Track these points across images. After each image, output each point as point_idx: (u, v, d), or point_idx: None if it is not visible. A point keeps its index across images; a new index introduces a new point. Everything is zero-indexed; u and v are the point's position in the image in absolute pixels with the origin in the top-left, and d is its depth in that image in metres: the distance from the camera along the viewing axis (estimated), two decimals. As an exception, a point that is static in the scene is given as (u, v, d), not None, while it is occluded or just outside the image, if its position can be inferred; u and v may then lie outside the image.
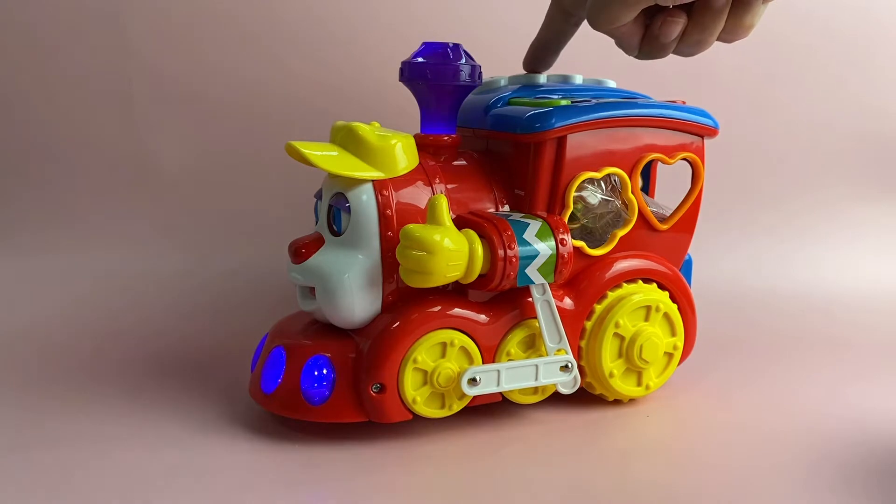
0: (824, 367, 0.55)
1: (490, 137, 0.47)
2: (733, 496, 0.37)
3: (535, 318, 0.42)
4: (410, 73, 0.44)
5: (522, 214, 0.43)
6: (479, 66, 0.45)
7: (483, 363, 0.42)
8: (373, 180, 0.42)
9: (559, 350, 0.43)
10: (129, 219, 0.69)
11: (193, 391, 0.48)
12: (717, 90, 0.71)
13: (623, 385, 0.46)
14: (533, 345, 0.44)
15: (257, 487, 0.37)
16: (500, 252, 0.40)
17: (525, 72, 0.50)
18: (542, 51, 0.48)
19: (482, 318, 0.42)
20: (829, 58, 0.76)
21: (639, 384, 0.47)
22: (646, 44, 0.40)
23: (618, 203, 0.47)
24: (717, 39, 0.39)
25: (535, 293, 0.42)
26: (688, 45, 0.39)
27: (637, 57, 0.41)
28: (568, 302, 0.45)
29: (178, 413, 0.45)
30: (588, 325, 0.45)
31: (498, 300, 0.43)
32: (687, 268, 0.50)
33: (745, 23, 0.38)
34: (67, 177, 0.69)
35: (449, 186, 0.44)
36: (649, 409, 0.47)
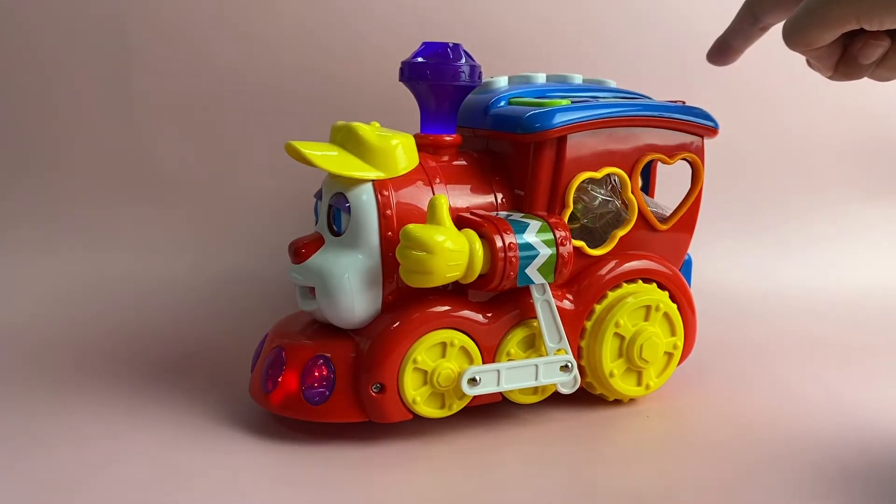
0: (824, 367, 0.55)
1: (490, 137, 0.47)
2: (733, 496, 0.37)
3: (535, 317, 0.42)
4: (410, 73, 0.44)
5: (522, 214, 0.43)
6: (479, 66, 0.45)
7: (483, 363, 0.42)
8: (373, 180, 0.42)
9: (559, 350, 0.43)
10: (129, 219, 0.69)
11: (194, 391, 0.48)
12: (717, 90, 0.71)
13: (623, 385, 0.46)
14: (533, 345, 0.44)
15: (258, 487, 0.37)
16: (500, 252, 0.40)
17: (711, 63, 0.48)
18: (725, 48, 0.45)
19: (482, 318, 0.42)
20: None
21: (639, 384, 0.47)
22: (843, 65, 0.38)
23: (618, 203, 0.47)
24: None
25: (535, 293, 0.42)
26: (887, 69, 0.37)
27: (831, 78, 0.39)
28: (568, 302, 0.45)
29: (178, 413, 0.45)
30: (588, 324, 0.45)
31: (498, 300, 0.43)
32: (687, 268, 0.50)
33: None
34: (67, 177, 0.69)
35: (449, 186, 0.44)
36: (649, 409, 0.47)
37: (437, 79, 0.43)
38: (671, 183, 0.51)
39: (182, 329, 0.59)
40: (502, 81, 0.49)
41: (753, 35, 0.44)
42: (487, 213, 0.42)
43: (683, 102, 0.48)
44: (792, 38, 0.36)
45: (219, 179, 0.70)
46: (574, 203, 0.45)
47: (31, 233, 0.68)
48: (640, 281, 0.46)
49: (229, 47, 0.68)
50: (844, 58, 0.38)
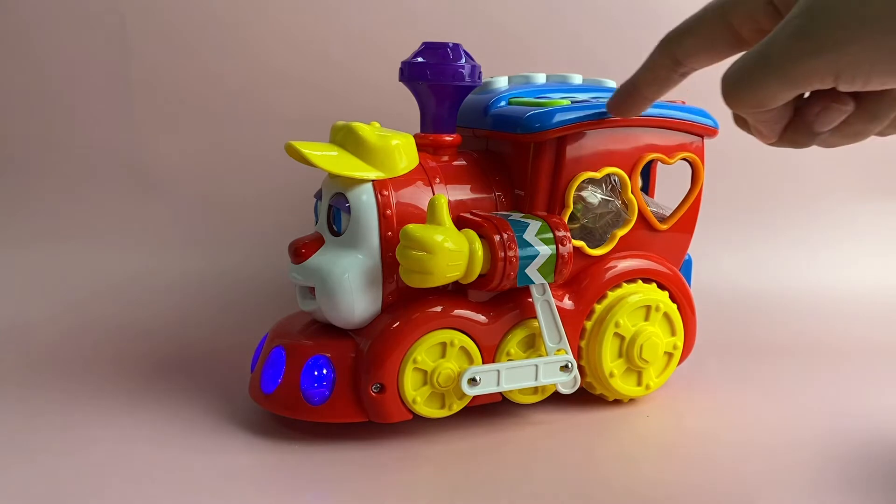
0: (824, 367, 0.55)
1: (490, 137, 0.47)
2: (733, 496, 0.37)
3: (535, 317, 0.42)
4: (410, 73, 0.44)
5: (522, 214, 0.43)
6: (479, 66, 0.45)
7: (483, 363, 0.42)
8: (373, 180, 0.42)
9: (559, 350, 0.43)
10: (129, 219, 0.69)
11: (194, 391, 0.48)
12: (717, 90, 0.71)
13: (623, 385, 0.46)
14: (533, 345, 0.44)
15: (258, 487, 0.37)
16: (500, 252, 0.40)
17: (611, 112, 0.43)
18: (636, 96, 0.38)
19: (482, 318, 0.42)
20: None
21: (639, 384, 0.47)
22: (791, 131, 0.31)
23: (618, 203, 0.47)
24: (877, 133, 0.31)
25: (535, 293, 0.42)
26: (844, 135, 0.30)
27: (773, 144, 0.32)
28: (568, 302, 0.45)
29: (178, 413, 0.45)
30: (588, 324, 0.45)
31: (498, 300, 0.43)
32: (687, 268, 0.50)
33: None
34: (67, 177, 0.69)
35: (449, 186, 0.44)
36: (649, 409, 0.47)
37: (437, 79, 0.43)
38: (671, 183, 0.51)
39: (181, 329, 0.59)
40: (502, 81, 0.49)
41: (672, 81, 0.36)
42: (487, 213, 0.42)
43: (683, 102, 0.48)
44: (736, 97, 0.29)
45: (218, 179, 0.70)
46: (574, 203, 0.45)
47: (31, 233, 0.68)
48: (640, 281, 0.46)
49: (229, 47, 0.68)
50: (794, 122, 0.30)
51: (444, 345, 0.41)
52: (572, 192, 0.44)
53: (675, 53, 0.35)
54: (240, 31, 0.68)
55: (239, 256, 0.69)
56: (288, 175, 0.64)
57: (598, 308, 0.45)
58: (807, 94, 0.30)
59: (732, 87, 0.29)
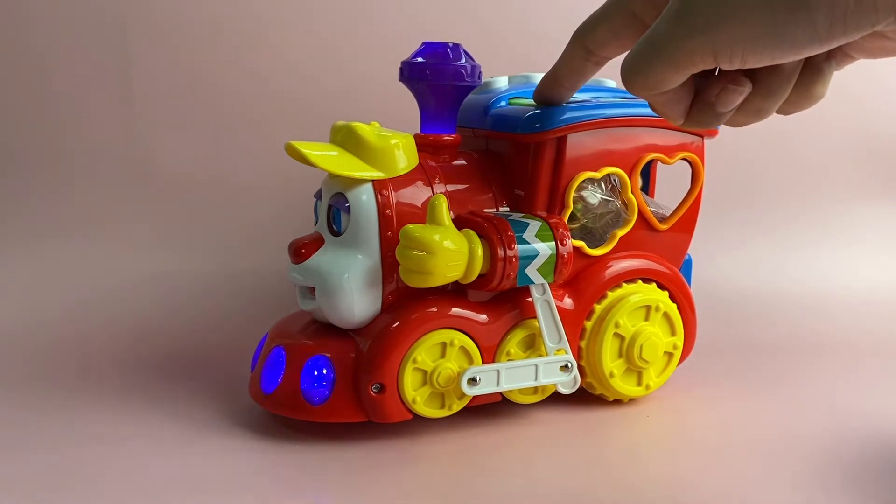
0: (824, 367, 0.55)
1: (490, 137, 0.47)
2: (733, 495, 0.37)
3: (535, 317, 0.42)
4: (410, 73, 0.44)
5: (522, 214, 0.43)
6: (479, 66, 0.45)
7: (483, 363, 0.42)
8: (373, 180, 0.42)
9: (559, 350, 0.43)
10: (129, 219, 0.69)
11: (193, 391, 0.48)
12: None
13: (623, 385, 0.46)
14: (533, 345, 0.44)
15: (257, 487, 0.37)
16: (500, 252, 0.40)
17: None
18: (554, 85, 0.41)
19: (482, 318, 0.42)
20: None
21: (639, 384, 0.47)
22: (696, 111, 0.32)
23: (618, 203, 0.47)
24: (777, 111, 0.32)
25: (535, 293, 0.42)
26: (746, 113, 0.32)
27: (682, 125, 0.33)
28: (568, 302, 0.45)
29: (178, 413, 0.45)
30: (588, 324, 0.45)
31: (498, 300, 0.43)
32: (687, 268, 0.50)
33: (814, 92, 0.31)
34: (67, 178, 0.69)
35: (449, 186, 0.44)
36: (649, 409, 0.47)
37: (437, 79, 0.43)
38: (671, 183, 0.51)
39: (181, 329, 0.59)
40: (502, 81, 0.49)
41: (587, 70, 0.39)
42: (487, 213, 0.42)
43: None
44: (632, 81, 0.30)
45: (218, 179, 0.70)
46: (574, 203, 0.45)
47: (31, 233, 0.68)
48: (640, 281, 0.46)
49: (229, 47, 0.68)
50: (697, 103, 0.32)
51: (443, 345, 0.41)
52: (572, 192, 0.44)
53: (586, 43, 0.37)
54: (240, 31, 0.68)
55: (239, 256, 0.69)
56: (288, 175, 0.64)
57: (598, 308, 0.45)
58: (703, 76, 0.31)
59: (627, 73, 0.30)
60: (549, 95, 0.42)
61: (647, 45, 0.29)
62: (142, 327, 0.59)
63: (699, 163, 0.47)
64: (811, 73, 0.31)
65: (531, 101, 0.45)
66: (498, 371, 0.42)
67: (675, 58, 0.28)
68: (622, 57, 0.31)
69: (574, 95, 0.46)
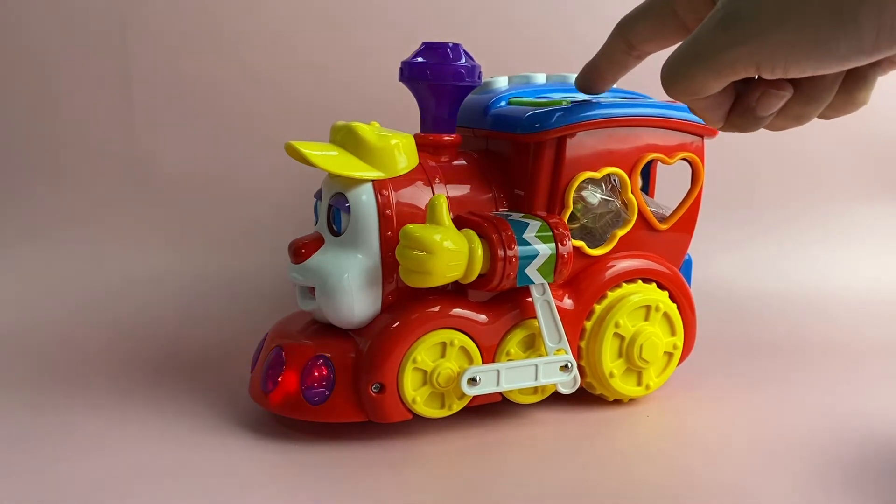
0: (824, 367, 0.55)
1: (490, 137, 0.47)
2: (734, 495, 0.37)
3: (535, 317, 0.42)
4: (410, 73, 0.44)
5: (522, 214, 0.43)
6: (479, 66, 0.45)
7: (483, 363, 0.42)
8: (373, 180, 0.42)
9: (559, 350, 0.43)
10: (129, 220, 0.69)
11: (194, 391, 0.48)
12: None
13: (623, 385, 0.46)
14: (533, 345, 0.44)
15: (257, 487, 0.37)
16: (500, 252, 0.40)
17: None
18: (595, 76, 0.40)
19: (482, 318, 0.42)
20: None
21: (639, 384, 0.47)
22: (736, 116, 0.32)
23: (617, 203, 0.47)
24: (819, 116, 0.32)
25: (535, 293, 0.42)
26: (786, 118, 0.31)
27: (722, 129, 0.33)
28: (568, 302, 0.45)
29: (178, 413, 0.45)
30: (588, 325, 0.45)
31: (498, 300, 0.43)
32: (687, 268, 0.50)
33: (857, 99, 0.31)
34: (67, 179, 0.69)
35: (449, 186, 0.44)
36: (649, 409, 0.47)
37: (437, 79, 0.43)
38: (671, 183, 0.51)
39: (181, 329, 0.59)
40: (502, 81, 0.49)
41: (629, 64, 0.38)
42: (487, 213, 0.42)
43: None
44: (672, 85, 0.30)
45: (218, 179, 0.70)
46: (574, 203, 0.45)
47: (31, 234, 0.68)
48: (640, 281, 0.46)
49: (229, 47, 0.68)
50: (737, 108, 0.32)
51: (443, 345, 0.41)
52: (572, 192, 0.44)
53: (628, 37, 0.37)
54: (240, 31, 0.68)
55: (239, 256, 0.69)
56: (288, 175, 0.64)
57: (598, 308, 0.45)
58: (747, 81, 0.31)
59: (667, 78, 0.30)
60: (590, 85, 0.41)
61: (688, 50, 0.29)
62: (142, 327, 0.59)
63: (699, 163, 0.47)
64: (855, 80, 0.31)
65: (531, 101, 0.45)
66: (498, 371, 0.42)
67: (717, 66, 0.28)
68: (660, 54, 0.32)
69: (574, 95, 0.46)
